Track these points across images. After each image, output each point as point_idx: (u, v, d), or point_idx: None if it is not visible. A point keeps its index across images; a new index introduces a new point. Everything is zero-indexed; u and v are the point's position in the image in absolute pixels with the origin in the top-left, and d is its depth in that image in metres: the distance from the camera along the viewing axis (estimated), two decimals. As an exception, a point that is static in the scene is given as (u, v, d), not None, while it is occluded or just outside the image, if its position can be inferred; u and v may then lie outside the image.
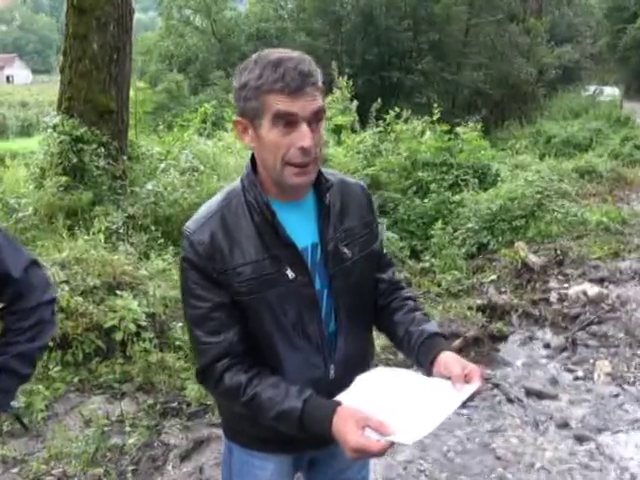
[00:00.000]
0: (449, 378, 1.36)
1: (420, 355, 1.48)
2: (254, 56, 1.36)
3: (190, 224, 1.44)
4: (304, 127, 1.32)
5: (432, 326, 1.54)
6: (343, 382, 1.43)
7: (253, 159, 1.45)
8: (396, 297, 1.62)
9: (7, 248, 1.57)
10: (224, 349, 1.41)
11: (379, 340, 1.72)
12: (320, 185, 1.47)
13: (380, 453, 1.25)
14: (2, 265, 1.55)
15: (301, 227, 1.46)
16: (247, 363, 1.43)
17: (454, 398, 1.31)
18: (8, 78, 58.31)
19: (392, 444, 1.25)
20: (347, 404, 1.33)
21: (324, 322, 1.48)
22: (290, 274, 1.41)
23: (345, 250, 1.48)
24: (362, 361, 1.56)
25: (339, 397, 1.36)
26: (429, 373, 1.42)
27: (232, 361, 1.42)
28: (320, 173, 1.47)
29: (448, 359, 1.40)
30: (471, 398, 1.35)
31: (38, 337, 1.63)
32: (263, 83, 1.30)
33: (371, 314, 1.61)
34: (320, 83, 1.35)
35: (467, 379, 1.35)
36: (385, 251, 1.70)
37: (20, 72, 60.65)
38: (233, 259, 1.40)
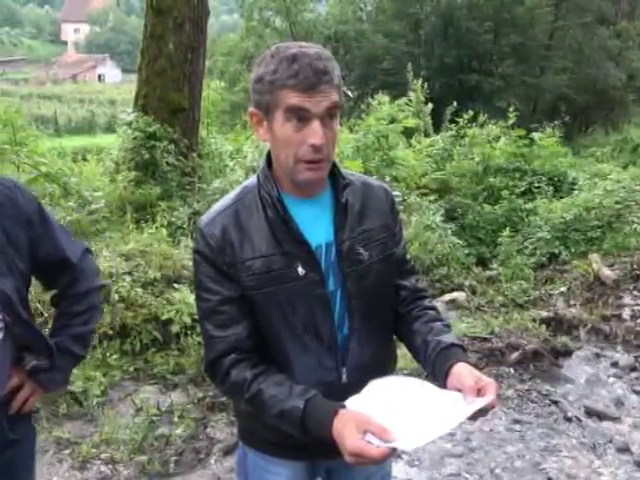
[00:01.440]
0: (461, 390, 1.30)
1: (435, 366, 1.41)
2: (272, 49, 1.35)
3: (204, 217, 1.45)
4: (316, 124, 1.30)
5: (450, 337, 1.47)
6: (357, 388, 1.38)
7: (269, 154, 1.44)
8: (417, 306, 1.56)
9: (64, 236, 1.66)
10: (232, 344, 1.40)
11: (400, 350, 1.65)
12: (337, 183, 1.45)
13: (379, 459, 1.20)
14: (62, 251, 1.63)
15: (316, 225, 1.43)
16: (254, 360, 1.41)
17: (462, 410, 1.24)
18: (100, 77, 61.18)
19: (393, 451, 1.20)
20: (351, 408, 1.29)
21: (337, 324, 1.44)
22: (300, 271, 1.38)
23: (361, 251, 1.45)
24: (378, 368, 1.49)
25: (347, 401, 1.32)
26: (443, 385, 1.36)
27: (239, 357, 1.40)
28: (338, 171, 1.45)
29: (462, 370, 1.34)
30: (483, 413, 1.27)
31: (90, 321, 1.71)
32: (278, 78, 1.29)
33: (390, 321, 1.56)
34: (337, 80, 1.33)
35: (481, 393, 1.28)
36: (409, 257, 1.65)
37: (111, 71, 63.52)
38: (243, 252, 1.39)
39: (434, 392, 1.31)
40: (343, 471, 1.62)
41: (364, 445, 1.19)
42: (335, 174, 1.45)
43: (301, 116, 1.30)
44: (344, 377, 1.46)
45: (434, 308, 1.58)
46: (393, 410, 1.27)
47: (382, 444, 1.18)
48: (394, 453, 1.23)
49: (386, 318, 1.55)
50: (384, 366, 1.57)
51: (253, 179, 1.48)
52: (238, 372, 1.39)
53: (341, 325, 1.46)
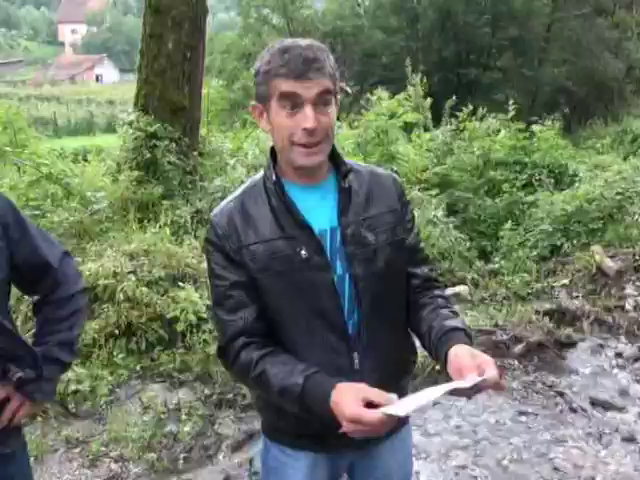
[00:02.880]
0: (462, 372, 1.29)
1: (438, 350, 1.42)
2: (269, 45, 1.43)
3: (215, 210, 1.53)
4: (308, 108, 1.36)
5: (455, 321, 1.47)
6: (371, 375, 1.41)
7: (273, 146, 1.51)
8: (427, 294, 1.57)
9: (43, 239, 1.63)
10: (241, 327, 1.45)
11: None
12: (340, 169, 1.50)
13: (377, 424, 1.22)
14: (42, 255, 1.60)
15: (320, 210, 1.47)
16: (263, 342, 1.45)
17: (456, 383, 1.25)
18: (97, 77, 61.20)
19: (390, 418, 1.21)
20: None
21: (347, 309, 1.47)
22: (304, 254, 1.42)
23: (367, 234, 1.48)
24: (394, 356, 1.52)
25: None
26: (444, 367, 1.37)
27: (248, 339, 1.45)
28: (339, 158, 1.51)
29: (460, 351, 1.34)
30: (477, 391, 1.25)
31: (75, 325, 1.68)
32: (271, 68, 1.38)
33: (403, 309, 1.58)
34: (328, 69, 1.39)
35: (479, 370, 1.27)
36: (422, 246, 1.65)
37: (109, 71, 63.55)
38: (247, 238, 1.45)
39: (447, 385, 1.31)
40: (366, 465, 1.63)
41: (362, 410, 1.23)
42: (337, 161, 1.51)
43: (294, 102, 1.37)
44: (356, 362, 1.47)
45: (444, 297, 1.58)
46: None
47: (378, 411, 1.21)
48: (393, 421, 1.23)
49: (399, 305, 1.56)
50: (400, 354, 1.58)
51: (260, 173, 1.54)
52: (246, 354, 1.44)
53: (352, 310, 1.48)
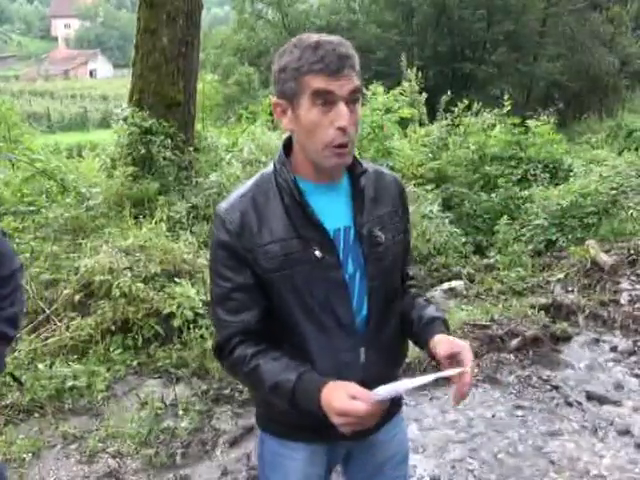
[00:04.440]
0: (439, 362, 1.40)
1: (420, 342, 1.52)
2: (294, 40, 1.39)
3: (223, 204, 1.49)
4: (342, 106, 1.34)
5: (431, 310, 1.56)
6: (375, 369, 1.46)
7: (286, 142, 1.48)
8: (402, 285, 1.65)
9: None
10: (239, 329, 1.46)
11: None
12: (355, 169, 1.50)
13: (363, 416, 1.26)
14: None
15: (333, 209, 1.47)
16: (258, 340, 1.46)
17: (442, 373, 1.34)
18: (91, 73, 60.85)
19: (377, 407, 1.28)
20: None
21: (356, 305, 1.49)
22: (318, 254, 1.42)
23: (379, 234, 1.50)
24: (395, 348, 1.58)
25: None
26: (428, 353, 1.47)
27: (245, 337, 1.46)
28: (355, 158, 1.49)
29: (439, 341, 1.43)
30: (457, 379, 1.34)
31: (16, 302, 1.74)
32: (303, 64, 1.33)
33: (400, 304, 1.61)
34: (357, 66, 1.38)
35: (458, 358, 1.37)
36: (411, 246, 1.73)
37: (102, 66, 63.20)
38: (262, 237, 1.43)
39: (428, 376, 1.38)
40: (362, 454, 1.66)
41: (350, 402, 1.27)
42: (352, 161, 1.49)
43: (327, 99, 1.34)
44: (362, 357, 1.50)
45: (417, 286, 1.69)
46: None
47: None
48: (380, 413, 1.29)
49: (398, 300, 1.61)
50: (399, 347, 1.63)
51: (270, 167, 1.51)
52: (241, 350, 1.45)
53: (360, 306, 1.50)
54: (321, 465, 1.63)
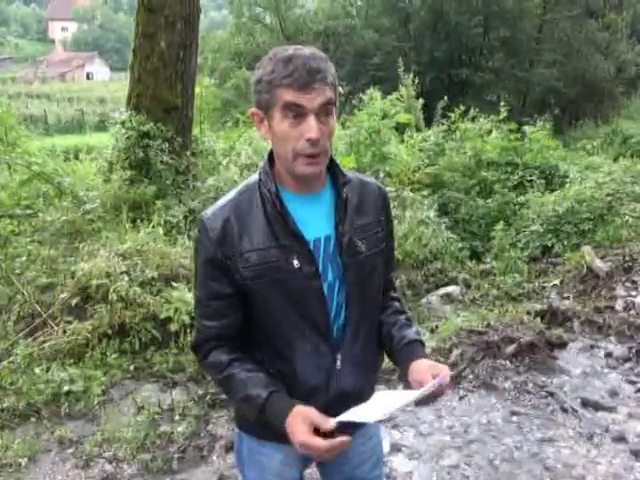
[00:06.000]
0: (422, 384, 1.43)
1: (399, 361, 1.58)
2: (270, 53, 1.43)
3: (208, 211, 1.52)
4: (311, 119, 1.37)
5: (412, 333, 1.62)
6: (351, 376, 1.53)
7: (271, 152, 1.51)
8: (386, 297, 1.69)
9: None
10: (213, 334, 1.52)
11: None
12: (337, 180, 1.53)
13: (322, 451, 1.34)
14: None
15: (314, 219, 1.50)
16: (233, 346, 1.53)
17: (417, 392, 1.37)
18: (88, 75, 60.79)
19: (336, 444, 1.33)
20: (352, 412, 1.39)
21: (334, 313, 1.52)
22: (296, 263, 1.45)
23: (359, 244, 1.53)
24: (370, 357, 1.62)
25: (352, 409, 1.42)
26: (405, 379, 1.51)
27: (219, 343, 1.52)
28: (337, 168, 1.53)
29: (420, 366, 1.48)
30: (432, 398, 1.42)
31: None
32: (274, 78, 1.38)
33: (378, 312, 1.65)
34: (330, 78, 1.41)
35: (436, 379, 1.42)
36: (394, 254, 1.77)
37: (99, 69, 63.15)
38: (241, 245, 1.46)
39: (409, 393, 1.41)
40: (337, 457, 1.66)
41: (310, 438, 1.35)
42: (335, 171, 1.53)
43: (297, 112, 1.37)
44: (338, 363, 1.54)
45: (398, 299, 1.74)
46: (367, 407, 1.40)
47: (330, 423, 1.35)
48: (341, 447, 1.34)
49: (376, 309, 1.64)
50: (375, 355, 1.66)
51: (255, 176, 1.54)
52: (215, 355, 1.52)
53: (338, 314, 1.54)
54: (296, 465, 1.68)
